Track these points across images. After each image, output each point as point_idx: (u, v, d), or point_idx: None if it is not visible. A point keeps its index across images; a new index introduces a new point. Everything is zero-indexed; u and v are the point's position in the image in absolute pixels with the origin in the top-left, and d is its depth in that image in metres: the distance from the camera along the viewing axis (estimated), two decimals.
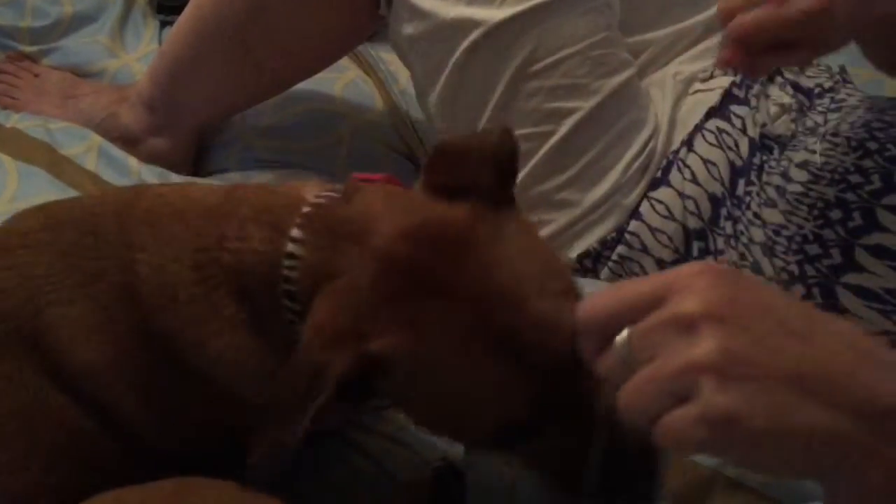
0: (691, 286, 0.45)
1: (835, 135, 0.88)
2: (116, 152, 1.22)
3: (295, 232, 0.63)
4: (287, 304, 0.64)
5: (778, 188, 0.89)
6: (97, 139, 1.25)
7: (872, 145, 0.84)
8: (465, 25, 0.95)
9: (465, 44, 0.96)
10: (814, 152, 0.88)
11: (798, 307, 0.47)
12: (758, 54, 0.77)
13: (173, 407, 0.71)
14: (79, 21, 1.49)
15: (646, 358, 0.46)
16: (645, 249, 0.96)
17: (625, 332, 0.47)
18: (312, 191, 0.68)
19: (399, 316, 0.58)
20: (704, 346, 0.43)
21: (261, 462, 0.60)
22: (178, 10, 1.34)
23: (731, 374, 0.43)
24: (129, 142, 1.25)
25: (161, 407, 0.71)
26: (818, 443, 0.43)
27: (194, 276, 0.67)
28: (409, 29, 1.00)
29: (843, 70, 1.10)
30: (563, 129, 0.96)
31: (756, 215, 0.90)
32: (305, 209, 0.65)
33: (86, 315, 0.69)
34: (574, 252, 0.99)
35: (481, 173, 0.62)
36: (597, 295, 0.50)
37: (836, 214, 0.83)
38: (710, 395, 0.43)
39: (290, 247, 0.63)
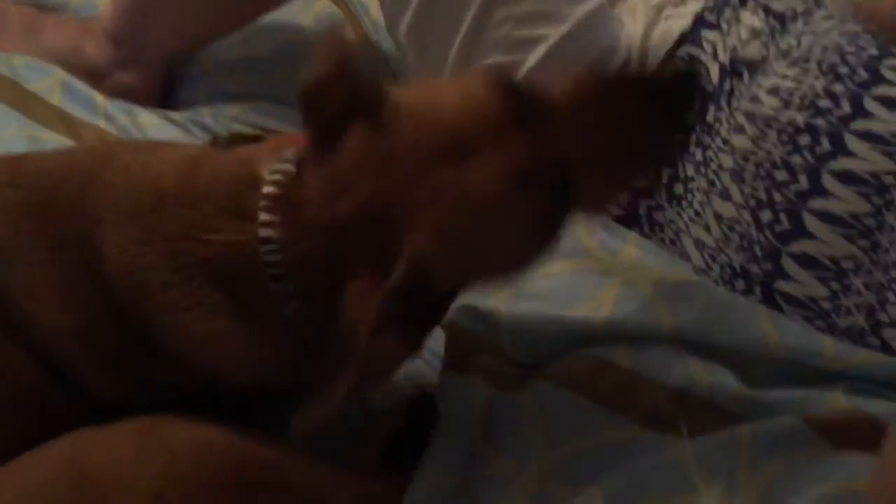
0: None
1: (806, 59, 0.88)
2: (81, 87, 1.20)
3: (264, 216, 0.67)
4: (277, 288, 0.67)
5: (747, 114, 0.89)
6: (61, 74, 1.22)
7: (843, 69, 0.84)
8: None
9: None
10: (784, 77, 0.88)
11: None
12: None
13: (140, 375, 0.72)
14: None
15: None
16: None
17: None
18: (265, 163, 0.69)
19: (405, 224, 0.63)
20: None
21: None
22: None
23: None
24: (94, 76, 1.23)
25: (126, 374, 0.71)
26: None
27: (169, 263, 0.68)
28: None
29: None
30: (534, 57, 0.95)
31: (725, 141, 0.90)
32: (267, 190, 0.67)
33: (50, 279, 0.69)
34: None
35: (344, 91, 0.65)
36: None
37: (804, 140, 0.84)
38: None
39: (264, 232, 0.66)
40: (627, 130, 0.67)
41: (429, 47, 0.99)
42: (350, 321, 0.62)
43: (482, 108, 0.65)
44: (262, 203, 0.67)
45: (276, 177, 0.68)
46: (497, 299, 0.88)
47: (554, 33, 0.95)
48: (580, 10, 0.96)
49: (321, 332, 0.67)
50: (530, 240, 0.68)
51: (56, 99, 1.19)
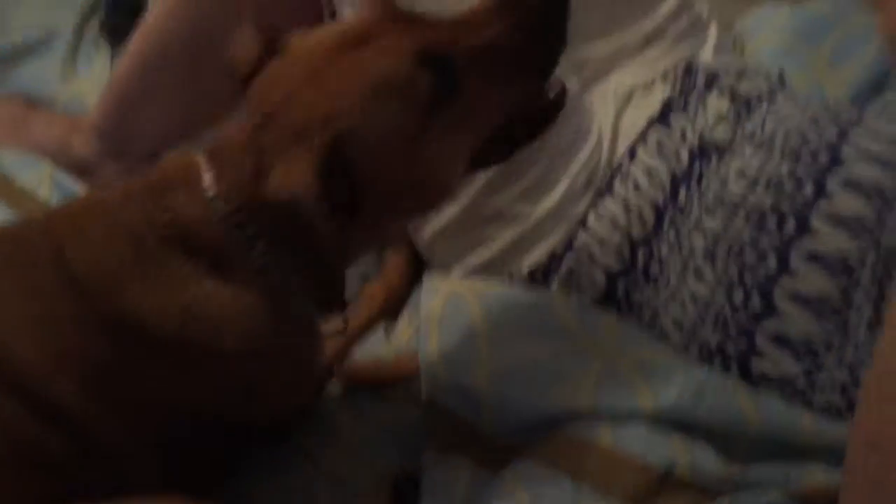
0: None
1: (770, 143, 0.91)
2: (70, 182, 1.22)
3: (206, 178, 0.74)
4: (239, 235, 0.73)
5: (716, 196, 0.91)
6: (50, 169, 1.25)
7: (805, 154, 0.87)
8: None
9: None
10: (750, 160, 0.90)
11: None
12: None
13: (131, 396, 0.74)
14: (30, 50, 1.50)
15: None
16: (592, 259, 0.98)
17: None
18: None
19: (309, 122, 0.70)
20: None
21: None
22: (130, 35, 1.34)
23: None
24: (82, 171, 1.25)
25: (117, 398, 0.73)
26: None
27: (136, 253, 0.73)
28: None
29: (780, 75, 1.13)
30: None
31: (697, 223, 0.92)
32: (204, 157, 0.76)
33: (24, 313, 0.72)
34: (524, 266, 1.01)
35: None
36: None
37: (771, 222, 0.86)
38: None
39: (210, 191, 0.73)
40: (512, 39, 0.75)
41: None
42: (285, 188, 0.68)
43: (377, 16, 0.74)
44: (204, 170, 0.75)
45: (211, 146, 0.77)
46: (478, 378, 0.90)
47: None
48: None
49: (293, 283, 0.74)
50: (432, 122, 0.73)
51: (45, 193, 1.21)
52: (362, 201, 0.72)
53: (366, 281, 1.17)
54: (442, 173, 0.76)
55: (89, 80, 1.47)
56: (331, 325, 0.85)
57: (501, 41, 0.74)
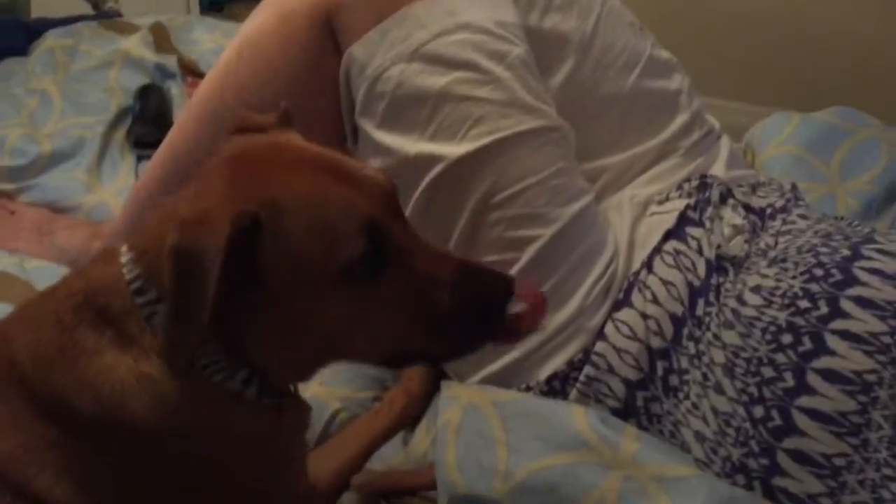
0: None
1: (783, 259, 0.91)
2: None
3: (124, 247, 0.75)
4: (140, 301, 0.72)
5: (734, 311, 0.91)
6: None
7: (818, 271, 0.87)
8: (428, 161, 0.99)
9: (428, 178, 1.00)
10: (765, 276, 0.91)
11: None
12: None
13: (103, 487, 0.73)
14: (57, 158, 1.54)
15: None
16: (611, 370, 0.98)
17: None
18: None
19: (253, 192, 0.69)
20: None
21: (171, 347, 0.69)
22: (155, 145, 1.37)
23: None
24: None
25: (93, 489, 0.72)
26: None
27: (56, 331, 0.73)
28: (374, 163, 1.04)
29: (794, 187, 1.15)
30: (527, 256, 0.99)
31: (716, 336, 0.92)
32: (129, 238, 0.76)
33: None
34: (542, 374, 1.01)
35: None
36: None
37: (787, 338, 0.86)
38: None
39: (125, 257, 0.73)
40: (440, 302, 0.74)
41: None
42: (195, 234, 0.66)
43: (367, 174, 0.75)
44: (124, 239, 0.76)
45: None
46: (497, 490, 0.88)
47: (545, 233, 0.99)
48: (568, 211, 1.01)
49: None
50: (337, 286, 0.71)
51: None
52: (251, 291, 0.70)
53: (384, 387, 1.17)
54: (330, 335, 0.74)
55: (114, 187, 1.51)
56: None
57: (436, 288, 0.74)
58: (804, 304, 0.86)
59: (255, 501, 0.82)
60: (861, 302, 0.83)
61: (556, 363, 1.00)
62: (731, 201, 1.03)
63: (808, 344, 0.84)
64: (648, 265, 1.00)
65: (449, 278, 0.74)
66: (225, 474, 0.78)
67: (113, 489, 0.73)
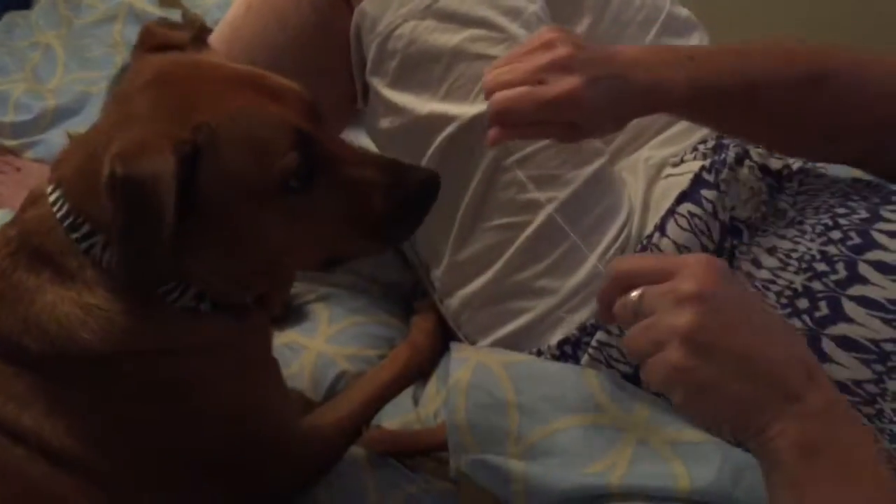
0: (694, 271, 0.62)
1: (800, 221, 0.90)
2: None
3: (49, 187, 0.75)
4: (75, 236, 0.73)
5: (748, 274, 0.90)
6: None
7: (836, 234, 0.85)
8: (440, 121, 0.98)
9: (440, 138, 0.98)
10: (782, 237, 0.89)
11: (764, 309, 0.64)
12: (518, 128, 0.82)
13: (92, 427, 0.76)
14: (61, 114, 1.53)
15: (649, 312, 0.63)
16: (623, 335, 0.97)
17: (640, 290, 0.65)
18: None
19: (185, 115, 0.70)
20: (685, 318, 0.60)
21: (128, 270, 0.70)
22: None
23: (694, 340, 0.60)
24: None
25: (85, 432, 0.75)
26: (741, 401, 0.60)
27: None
28: (385, 123, 1.03)
29: None
30: (539, 218, 0.98)
31: None
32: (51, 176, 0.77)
33: None
34: (553, 339, 1.00)
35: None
36: (629, 256, 0.68)
37: (803, 303, 0.84)
38: (674, 351, 0.60)
39: (52, 196, 0.74)
40: (374, 193, 0.77)
41: (436, 209, 1.01)
42: (139, 166, 0.66)
43: (289, 91, 0.77)
44: (48, 180, 0.76)
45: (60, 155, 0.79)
46: (508, 453, 0.88)
47: (559, 195, 0.98)
48: (583, 173, 0.99)
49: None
50: (273, 198, 0.72)
51: None
52: (191, 214, 0.70)
53: (391, 345, 1.16)
54: (272, 246, 0.77)
55: None
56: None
57: (365, 187, 0.77)
58: (821, 267, 0.84)
59: (231, 419, 0.84)
60: (880, 267, 0.81)
61: (568, 328, 0.99)
62: (747, 163, 1.01)
63: (824, 309, 0.82)
64: (662, 228, 0.99)
65: (380, 179, 0.77)
66: (194, 391, 0.81)
67: (88, 421, 0.75)
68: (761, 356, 0.61)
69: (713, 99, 0.86)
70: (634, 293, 0.65)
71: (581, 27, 1.07)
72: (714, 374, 0.60)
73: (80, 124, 1.51)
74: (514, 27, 0.97)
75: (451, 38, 0.96)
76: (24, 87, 1.56)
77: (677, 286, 0.61)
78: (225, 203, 0.71)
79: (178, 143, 0.67)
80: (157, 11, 1.77)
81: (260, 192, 0.72)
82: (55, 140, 1.49)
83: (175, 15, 1.78)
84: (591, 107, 0.80)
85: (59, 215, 0.73)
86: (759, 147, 1.02)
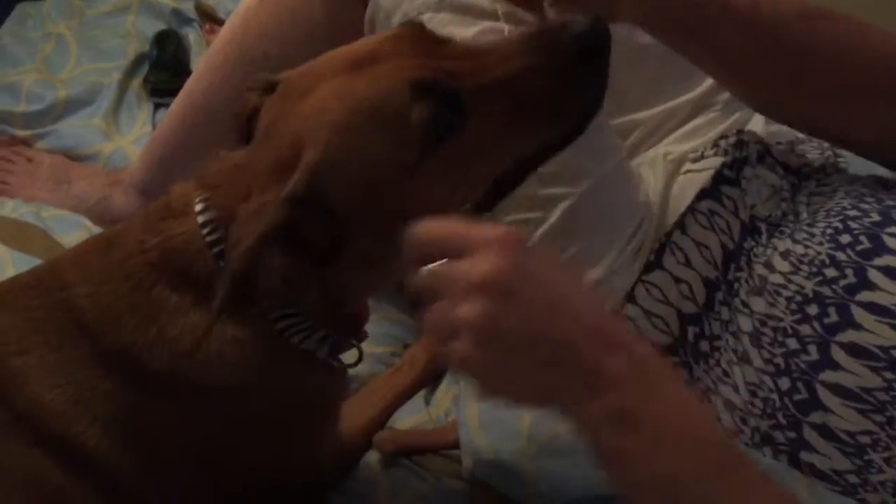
0: (488, 253, 0.56)
1: (812, 224, 0.87)
2: None
3: (199, 206, 0.71)
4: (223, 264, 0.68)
5: (761, 277, 0.88)
6: (90, 227, 1.25)
7: (845, 238, 0.83)
8: None
9: None
10: (796, 241, 0.87)
11: (558, 283, 0.59)
12: None
13: (150, 442, 0.73)
14: (73, 105, 1.52)
15: (441, 291, 0.58)
16: (641, 334, 0.96)
17: (432, 266, 0.59)
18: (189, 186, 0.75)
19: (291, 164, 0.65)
20: (474, 308, 0.56)
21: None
22: (172, 92, 1.36)
23: (483, 331, 0.56)
24: None
25: (138, 444, 0.72)
26: (539, 388, 0.58)
27: (128, 286, 0.71)
28: None
29: None
30: (555, 214, 0.96)
31: (744, 303, 0.89)
32: (198, 193, 0.72)
33: (43, 359, 0.71)
34: None
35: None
36: (429, 223, 0.60)
37: (812, 309, 0.81)
38: (464, 342, 0.56)
39: (201, 217, 0.70)
40: (535, 81, 0.67)
41: None
42: (235, 237, 0.64)
43: (397, 35, 0.69)
44: (196, 197, 0.71)
45: (207, 172, 0.74)
46: (521, 453, 0.87)
47: (575, 191, 0.96)
48: (600, 169, 0.97)
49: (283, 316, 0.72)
50: (426, 160, 0.65)
51: None
52: (344, 238, 0.67)
53: (404, 344, 1.15)
54: (438, 208, 0.66)
55: (131, 135, 1.49)
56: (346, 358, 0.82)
57: (522, 81, 0.67)
58: (831, 272, 0.81)
59: (287, 449, 0.83)
60: (890, 272, 0.78)
61: None
62: (768, 160, 0.99)
63: (833, 316, 0.80)
64: (681, 226, 0.97)
65: (533, 62, 0.66)
66: (281, 427, 0.79)
67: (166, 444, 0.73)
68: (553, 340, 0.56)
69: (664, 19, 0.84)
70: (426, 269, 0.59)
71: None
72: (506, 364, 0.57)
73: (92, 115, 1.50)
74: (529, 17, 0.95)
75: (466, 30, 0.94)
76: (36, 77, 1.55)
77: (469, 271, 0.56)
78: (373, 203, 0.66)
79: (271, 219, 0.63)
80: (170, 3, 1.75)
81: (406, 168, 0.65)
82: (66, 130, 1.48)
83: (188, 5, 1.77)
84: None
85: (208, 240, 0.70)
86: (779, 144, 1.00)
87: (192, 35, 1.71)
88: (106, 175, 1.36)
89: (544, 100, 0.67)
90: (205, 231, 0.70)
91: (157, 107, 1.55)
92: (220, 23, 1.73)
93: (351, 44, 0.70)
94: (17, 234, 1.22)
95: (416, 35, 0.69)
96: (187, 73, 1.58)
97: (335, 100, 0.65)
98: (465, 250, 0.57)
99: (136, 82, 1.59)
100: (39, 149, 1.46)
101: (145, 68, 1.61)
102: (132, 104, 1.55)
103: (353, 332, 0.79)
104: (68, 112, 1.51)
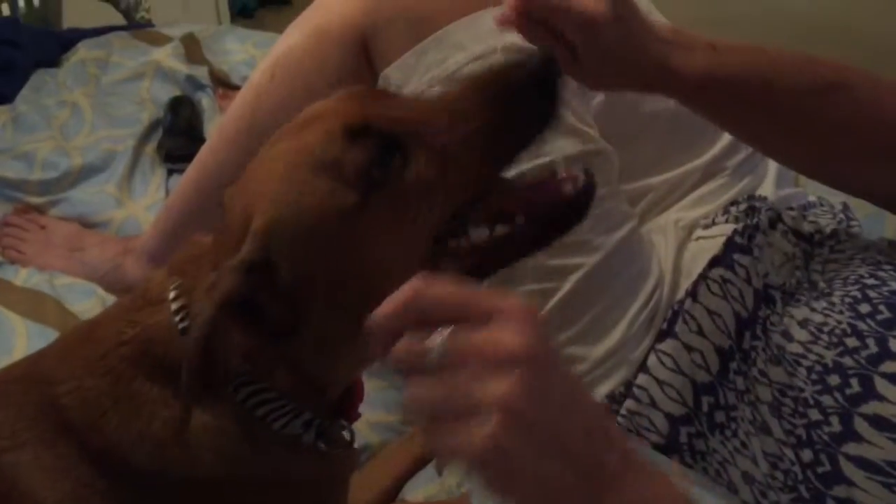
0: (515, 323, 0.49)
1: (829, 293, 0.87)
2: None
3: (172, 294, 0.69)
4: None
5: (780, 346, 0.87)
6: (103, 295, 1.25)
7: (865, 307, 0.82)
8: None
9: None
10: (813, 310, 0.86)
11: (565, 371, 0.52)
12: (532, 20, 0.77)
13: None
14: (87, 172, 1.53)
15: (453, 365, 0.48)
16: (653, 404, 0.95)
17: (445, 331, 0.49)
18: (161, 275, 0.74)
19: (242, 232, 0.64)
20: (508, 385, 0.47)
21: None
22: (186, 158, 1.37)
23: (516, 414, 0.47)
24: None
25: None
26: (551, 485, 0.49)
27: (108, 381, 0.69)
28: None
29: (845, 207, 1.10)
30: (567, 285, 0.96)
31: (762, 372, 0.88)
32: (172, 280, 0.71)
33: (38, 456, 0.70)
34: None
35: None
36: (433, 280, 0.51)
37: (834, 380, 0.80)
38: (491, 424, 0.47)
39: (174, 305, 0.69)
40: (480, 116, 0.66)
41: None
42: (195, 308, 0.62)
43: (329, 101, 0.69)
44: (170, 284, 0.70)
45: (179, 258, 0.74)
46: None
47: (587, 262, 0.96)
48: (612, 239, 0.97)
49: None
50: (367, 206, 0.63)
51: None
52: (303, 309, 0.65)
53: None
54: (387, 259, 0.65)
55: (144, 202, 1.50)
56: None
57: (467, 126, 0.66)
58: (852, 342, 0.80)
59: None
60: None
61: (597, 396, 0.97)
62: (780, 227, 0.99)
63: (856, 387, 0.78)
64: (693, 294, 0.96)
65: (478, 107, 0.66)
66: None
67: None
68: (572, 431, 0.50)
69: (728, 91, 0.82)
70: (438, 336, 0.49)
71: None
72: (529, 455, 0.48)
73: (105, 182, 1.51)
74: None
75: None
76: (51, 145, 1.56)
77: (499, 339, 0.48)
78: (321, 253, 0.64)
79: (225, 288, 0.61)
80: (184, 69, 1.78)
81: (346, 211, 0.63)
82: (80, 197, 1.48)
83: (202, 71, 1.79)
84: (604, 40, 0.75)
85: (180, 327, 0.68)
86: (790, 209, 1.00)
87: (205, 100, 1.73)
88: (118, 243, 1.37)
89: (486, 145, 0.67)
90: (177, 318, 0.69)
91: (170, 172, 1.56)
92: (234, 88, 1.76)
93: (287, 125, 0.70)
94: (31, 304, 1.22)
95: (364, 92, 0.70)
96: (201, 138, 1.60)
97: (276, 162, 0.65)
98: (481, 315, 0.49)
99: (150, 148, 1.61)
100: (53, 216, 1.47)
101: (159, 134, 1.63)
102: (146, 170, 1.56)
103: (341, 413, 0.77)
104: (82, 179, 1.52)
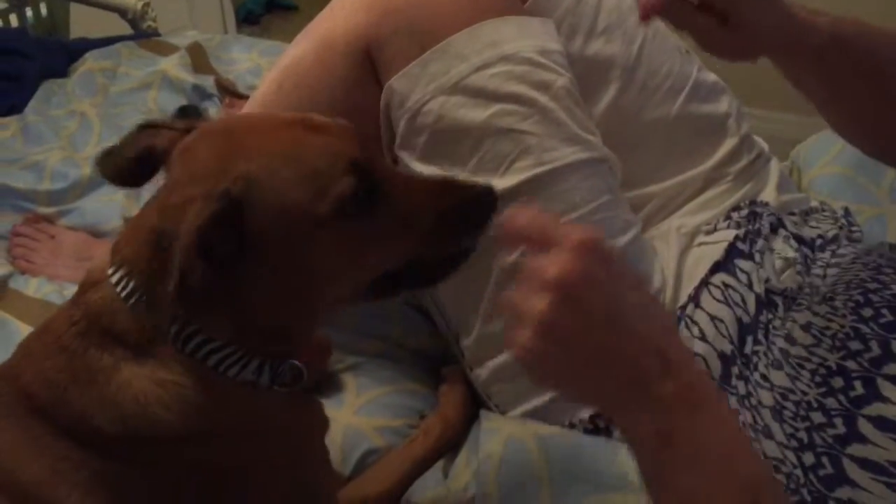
0: (564, 254, 0.60)
1: (832, 297, 0.88)
2: None
3: (111, 269, 0.75)
4: (141, 311, 0.72)
5: (782, 350, 0.88)
6: None
7: (867, 311, 0.83)
8: None
9: None
10: (816, 314, 0.87)
11: (626, 296, 0.62)
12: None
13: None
14: (96, 182, 1.54)
15: (520, 281, 0.62)
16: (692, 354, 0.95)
17: (517, 254, 0.76)
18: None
19: (229, 164, 0.70)
20: (541, 305, 0.60)
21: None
22: None
23: (546, 330, 0.60)
24: None
25: None
26: (593, 393, 0.63)
27: (64, 358, 0.74)
28: None
29: (846, 212, 1.11)
30: None
31: (764, 377, 0.89)
32: (111, 259, 0.76)
33: (15, 437, 0.74)
34: (586, 412, 0.98)
35: None
36: (522, 210, 0.65)
37: (837, 382, 0.81)
38: (527, 333, 0.61)
39: (114, 277, 0.74)
40: (431, 209, 0.79)
41: (463, 283, 1.01)
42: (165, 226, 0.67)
43: (330, 121, 0.78)
44: (109, 264, 0.75)
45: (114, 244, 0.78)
46: None
47: None
48: (616, 245, 0.98)
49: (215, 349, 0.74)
50: (334, 224, 0.72)
51: None
52: (248, 262, 0.71)
53: (421, 415, 1.15)
54: (328, 276, 0.76)
55: None
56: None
57: (426, 205, 0.78)
58: (855, 345, 0.82)
59: (292, 484, 0.83)
60: None
61: None
62: (782, 232, 1.00)
63: (859, 389, 0.80)
64: (695, 299, 0.97)
65: (435, 202, 0.79)
66: (248, 476, 0.79)
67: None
68: (614, 352, 0.61)
69: (849, 55, 0.88)
70: (512, 257, 0.72)
71: (607, 96, 1.07)
72: (561, 360, 0.61)
73: (114, 192, 1.52)
74: (543, 100, 0.97)
75: (479, 113, 0.96)
76: (61, 156, 1.58)
77: (544, 268, 0.61)
78: (280, 238, 0.71)
79: (208, 199, 0.67)
80: (190, 79, 1.79)
81: (317, 220, 0.72)
82: (89, 207, 1.50)
83: (208, 81, 1.81)
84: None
85: (123, 294, 0.73)
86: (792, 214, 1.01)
87: (212, 109, 1.75)
88: None
89: (433, 227, 0.78)
90: (119, 287, 0.73)
91: None
92: (240, 97, 1.77)
93: (305, 114, 0.78)
94: (42, 315, 1.23)
95: (356, 132, 0.78)
96: None
97: (289, 141, 0.73)
98: (545, 245, 0.62)
99: None
100: (62, 226, 1.49)
101: None
102: (154, 180, 1.58)
103: (290, 354, 0.80)
104: (91, 189, 1.54)
